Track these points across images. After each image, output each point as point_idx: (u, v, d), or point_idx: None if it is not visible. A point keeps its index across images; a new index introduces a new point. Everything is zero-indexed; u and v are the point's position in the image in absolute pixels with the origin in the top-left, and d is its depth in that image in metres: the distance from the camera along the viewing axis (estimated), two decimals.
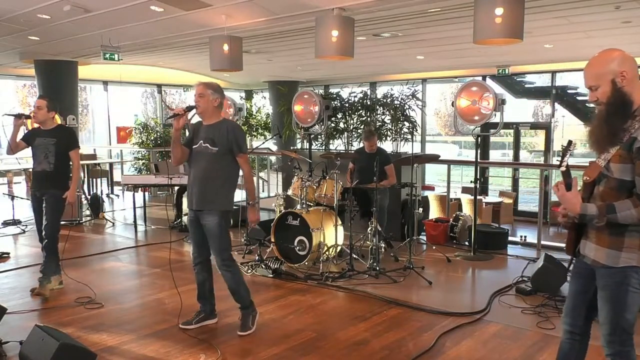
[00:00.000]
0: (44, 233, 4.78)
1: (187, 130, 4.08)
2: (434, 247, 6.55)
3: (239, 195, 10.51)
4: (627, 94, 2.16)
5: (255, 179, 9.92)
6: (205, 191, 3.82)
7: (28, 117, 4.84)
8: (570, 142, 2.27)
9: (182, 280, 5.17)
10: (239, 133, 3.90)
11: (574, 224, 2.34)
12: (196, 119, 3.97)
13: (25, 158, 5.95)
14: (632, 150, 2.13)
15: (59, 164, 4.77)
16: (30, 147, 4.86)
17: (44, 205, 4.76)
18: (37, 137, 4.82)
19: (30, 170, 5.28)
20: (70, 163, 4.88)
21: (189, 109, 3.80)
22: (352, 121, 9.10)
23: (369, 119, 8.91)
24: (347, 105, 9.03)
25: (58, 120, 5.24)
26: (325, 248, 5.63)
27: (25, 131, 5.14)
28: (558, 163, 2.29)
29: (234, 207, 8.13)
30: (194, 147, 3.89)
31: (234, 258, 4.03)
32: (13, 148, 4.83)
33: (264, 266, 5.58)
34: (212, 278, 4.10)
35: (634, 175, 2.15)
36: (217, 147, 3.79)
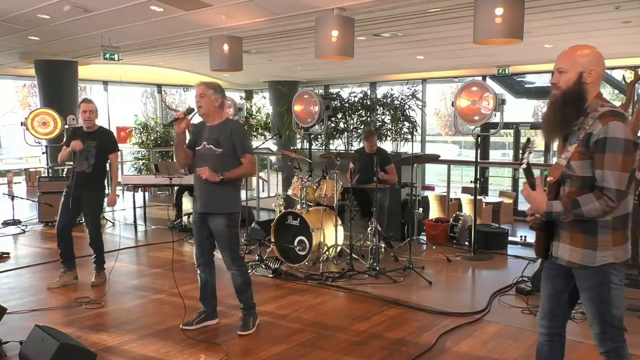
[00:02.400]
0: (88, 232, 5.09)
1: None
2: (434, 247, 6.55)
3: (241, 196, 10.52)
4: (585, 90, 2.24)
5: (255, 179, 9.93)
6: (211, 193, 3.81)
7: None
8: (529, 140, 2.32)
9: (183, 280, 5.18)
10: (244, 134, 3.89)
11: (542, 224, 2.37)
12: (197, 119, 3.95)
13: (26, 158, 5.96)
14: (589, 146, 2.19)
15: (97, 166, 4.95)
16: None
17: (82, 207, 4.99)
18: (80, 138, 4.97)
19: (32, 170, 5.34)
20: (108, 163, 5.13)
21: (189, 111, 3.78)
22: (352, 121, 9.11)
23: (369, 119, 8.92)
24: (347, 105, 9.04)
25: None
26: (325, 248, 5.63)
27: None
28: (519, 162, 2.32)
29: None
30: (197, 148, 3.87)
31: (244, 258, 4.04)
32: (65, 157, 5.06)
33: (264, 266, 5.58)
34: (215, 279, 4.11)
35: (595, 170, 2.20)
36: (221, 148, 3.77)
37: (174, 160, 11.31)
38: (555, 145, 2.46)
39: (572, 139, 2.27)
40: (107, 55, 8.40)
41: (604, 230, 2.24)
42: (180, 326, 4.02)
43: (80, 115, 4.98)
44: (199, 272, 4.06)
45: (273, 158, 11.85)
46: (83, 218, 5.24)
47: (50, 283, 5.05)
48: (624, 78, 8.47)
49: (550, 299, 2.48)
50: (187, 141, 3.97)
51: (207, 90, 3.79)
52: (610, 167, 2.14)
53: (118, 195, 11.23)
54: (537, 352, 2.59)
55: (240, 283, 3.96)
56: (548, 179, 2.32)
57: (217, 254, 4.05)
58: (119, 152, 5.18)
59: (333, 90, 12.47)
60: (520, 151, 2.32)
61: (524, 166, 2.26)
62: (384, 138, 8.81)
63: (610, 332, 2.31)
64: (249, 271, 5.48)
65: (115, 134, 5.37)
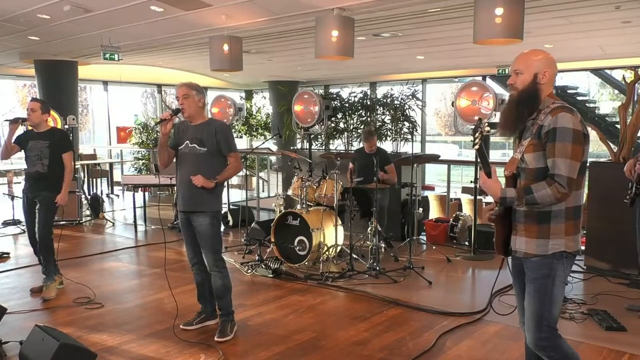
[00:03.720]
0: (37, 235, 4.73)
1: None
2: (434, 247, 6.54)
3: (239, 195, 10.54)
4: (540, 90, 2.38)
5: (254, 179, 9.92)
6: (194, 193, 3.78)
7: (25, 120, 4.80)
8: (480, 120, 2.44)
9: (183, 280, 5.18)
10: (228, 133, 3.87)
11: (500, 217, 2.46)
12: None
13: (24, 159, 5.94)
14: (541, 137, 2.30)
15: (53, 166, 4.74)
16: (22, 150, 4.81)
17: (36, 207, 4.74)
18: (31, 140, 4.79)
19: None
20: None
21: (176, 112, 3.75)
22: (352, 121, 9.10)
23: (369, 119, 8.91)
24: (347, 105, 9.03)
25: (52, 121, 5.19)
26: (325, 248, 5.63)
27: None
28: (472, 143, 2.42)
29: (234, 207, 8.20)
30: (179, 148, 3.85)
31: (225, 260, 4.00)
32: (6, 152, 4.77)
33: (264, 266, 5.58)
34: (211, 278, 4.10)
35: (547, 159, 2.29)
36: (205, 147, 3.76)
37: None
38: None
39: (526, 134, 2.39)
40: (107, 55, 8.40)
41: (557, 219, 2.33)
42: (180, 326, 4.02)
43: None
44: (194, 272, 4.05)
45: (273, 158, 11.83)
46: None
47: (44, 295, 4.71)
48: (624, 78, 8.47)
49: (523, 295, 2.53)
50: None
51: (191, 91, 3.77)
52: (560, 155, 2.25)
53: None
54: (525, 351, 2.63)
55: (219, 285, 3.89)
56: (505, 172, 2.43)
57: None
58: (73, 152, 4.94)
59: (333, 90, 12.46)
60: (472, 132, 2.40)
61: (476, 147, 2.37)
62: (384, 138, 8.80)
63: (547, 332, 2.38)
64: (249, 271, 5.52)
65: (115, 134, 5.30)
